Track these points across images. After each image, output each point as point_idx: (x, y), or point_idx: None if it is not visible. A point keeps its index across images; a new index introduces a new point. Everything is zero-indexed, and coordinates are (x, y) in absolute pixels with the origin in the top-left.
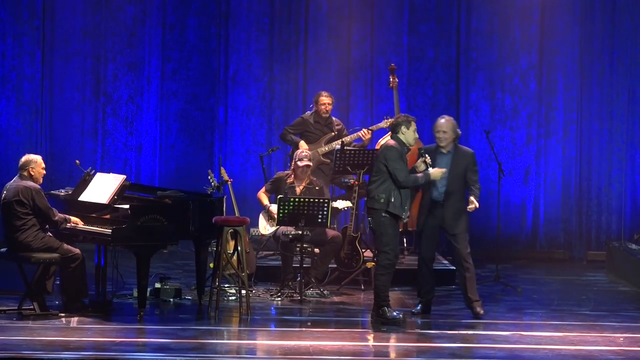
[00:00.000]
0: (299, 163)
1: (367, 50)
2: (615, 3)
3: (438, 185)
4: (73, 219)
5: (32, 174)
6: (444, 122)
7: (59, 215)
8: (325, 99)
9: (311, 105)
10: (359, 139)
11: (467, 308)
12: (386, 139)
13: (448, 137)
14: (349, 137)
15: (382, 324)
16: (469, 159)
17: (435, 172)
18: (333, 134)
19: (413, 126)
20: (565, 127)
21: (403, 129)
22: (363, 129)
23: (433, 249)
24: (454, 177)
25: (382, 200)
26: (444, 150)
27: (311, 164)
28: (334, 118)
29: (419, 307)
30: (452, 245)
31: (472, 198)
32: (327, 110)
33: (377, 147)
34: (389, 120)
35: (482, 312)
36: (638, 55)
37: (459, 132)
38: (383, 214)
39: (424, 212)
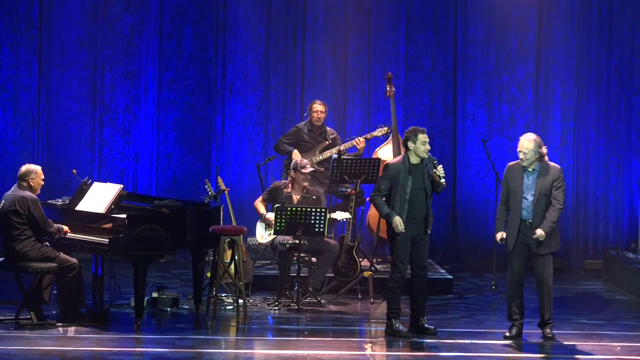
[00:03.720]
0: (303, 170)
1: (364, 60)
2: (612, 12)
3: (525, 204)
4: (64, 228)
5: (32, 184)
6: (523, 141)
7: (54, 227)
8: (317, 107)
9: (305, 114)
10: (353, 147)
11: (537, 327)
12: (383, 149)
13: (529, 158)
14: (342, 145)
15: (387, 334)
16: (554, 176)
17: (396, 219)
18: (327, 142)
19: (421, 138)
20: (563, 136)
21: (410, 143)
22: (357, 138)
23: (522, 268)
24: (540, 196)
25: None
26: (529, 169)
27: (310, 169)
28: (328, 127)
29: (514, 332)
30: (533, 264)
31: (538, 230)
32: (319, 118)
33: (374, 156)
34: (384, 128)
35: (550, 335)
36: (635, 64)
37: (543, 151)
38: (390, 228)
39: (514, 231)
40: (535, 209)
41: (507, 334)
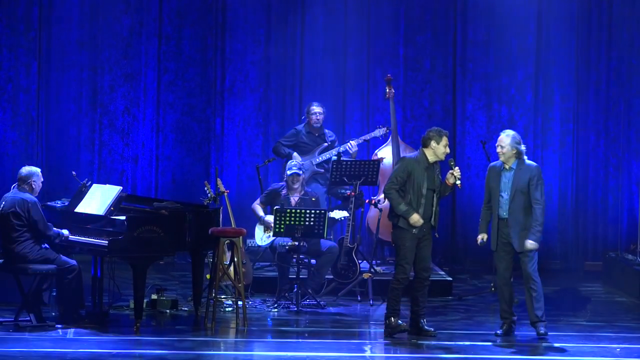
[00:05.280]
0: (287, 172)
1: (363, 62)
2: (611, 14)
3: (502, 202)
4: (65, 232)
5: (34, 187)
6: (502, 136)
7: (54, 231)
8: (316, 109)
9: (303, 117)
10: (346, 152)
11: (531, 326)
12: (382, 150)
13: (506, 152)
14: (342, 147)
15: (386, 334)
16: (531, 174)
17: (414, 217)
18: (326, 144)
19: (444, 140)
20: (562, 137)
21: (433, 143)
22: (350, 141)
23: (508, 267)
24: (515, 193)
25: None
26: (506, 166)
27: (300, 172)
28: (327, 130)
29: (504, 329)
30: (519, 263)
31: (527, 242)
32: (318, 120)
33: (374, 157)
34: (383, 128)
35: (544, 333)
36: (634, 66)
37: (521, 148)
38: (398, 228)
39: (494, 230)
40: (511, 206)
41: (498, 331)
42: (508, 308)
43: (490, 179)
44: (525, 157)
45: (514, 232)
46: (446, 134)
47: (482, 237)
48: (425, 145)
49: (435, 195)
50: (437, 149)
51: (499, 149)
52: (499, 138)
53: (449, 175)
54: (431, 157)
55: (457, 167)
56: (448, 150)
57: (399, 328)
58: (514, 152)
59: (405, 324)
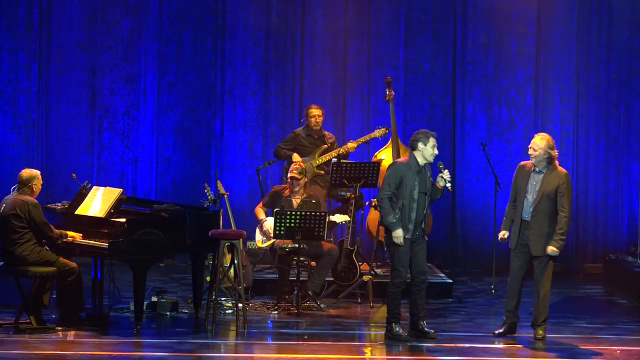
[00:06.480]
0: (288, 174)
1: (363, 64)
2: (611, 16)
3: (526, 204)
4: (70, 233)
5: (34, 190)
6: (536, 139)
7: (56, 231)
8: (314, 111)
9: (302, 120)
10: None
11: (531, 328)
12: (382, 152)
13: (538, 156)
14: (342, 148)
15: (387, 338)
16: (560, 181)
17: (398, 232)
18: (326, 146)
19: (431, 142)
20: (562, 139)
21: (420, 145)
22: (348, 143)
23: (522, 267)
24: (541, 198)
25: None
26: (537, 169)
27: (299, 176)
28: (326, 132)
29: (502, 329)
30: (532, 266)
31: (549, 247)
32: (317, 122)
33: (374, 159)
34: (382, 129)
35: (542, 336)
36: (634, 68)
37: (554, 152)
38: (390, 232)
39: (516, 230)
40: (535, 209)
41: (497, 331)
42: (513, 309)
43: (519, 178)
44: (557, 162)
45: (534, 235)
46: (433, 135)
47: (503, 234)
48: (414, 147)
49: (427, 198)
50: (425, 151)
51: (531, 151)
52: (533, 141)
53: (438, 178)
54: (420, 160)
55: (446, 170)
56: (436, 151)
57: (401, 338)
58: (546, 156)
59: (406, 334)
